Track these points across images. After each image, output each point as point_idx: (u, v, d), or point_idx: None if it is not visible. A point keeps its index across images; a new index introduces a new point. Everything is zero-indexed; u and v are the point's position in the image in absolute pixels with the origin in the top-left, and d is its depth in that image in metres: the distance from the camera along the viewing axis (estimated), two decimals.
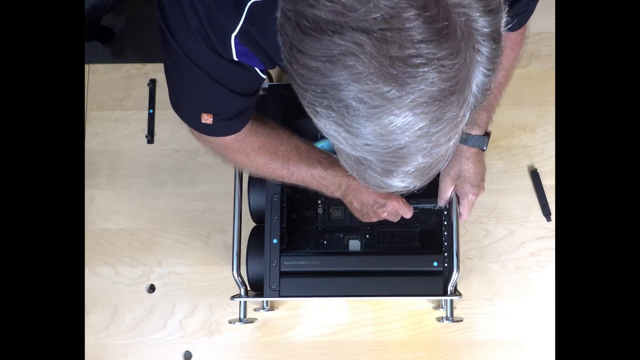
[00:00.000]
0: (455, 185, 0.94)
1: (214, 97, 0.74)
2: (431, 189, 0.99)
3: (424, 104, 0.47)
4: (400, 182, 0.56)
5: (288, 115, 0.93)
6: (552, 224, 1.06)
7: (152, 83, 1.12)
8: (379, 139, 0.49)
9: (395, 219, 0.95)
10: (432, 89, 0.46)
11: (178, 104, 0.80)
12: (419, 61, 0.45)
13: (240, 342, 1.05)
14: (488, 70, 0.50)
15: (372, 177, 0.55)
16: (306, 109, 0.51)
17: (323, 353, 1.04)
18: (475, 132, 0.90)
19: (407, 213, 0.94)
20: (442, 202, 0.96)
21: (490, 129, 1.05)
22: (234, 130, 0.79)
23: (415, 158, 0.51)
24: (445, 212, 0.98)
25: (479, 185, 0.94)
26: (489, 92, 0.53)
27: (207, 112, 0.76)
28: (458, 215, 0.95)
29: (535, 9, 0.81)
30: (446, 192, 0.95)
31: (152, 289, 1.07)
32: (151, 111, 1.11)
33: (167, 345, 1.05)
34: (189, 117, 0.79)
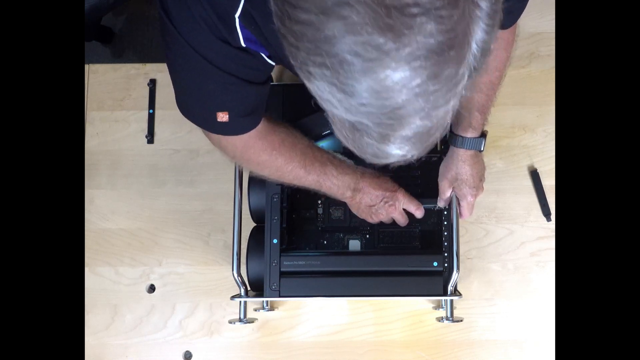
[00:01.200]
0: (453, 187, 0.94)
1: (227, 91, 0.72)
2: (431, 189, 0.99)
3: (422, 57, 0.45)
4: (398, 150, 0.54)
5: (288, 115, 0.93)
6: (552, 224, 1.06)
7: (152, 83, 1.12)
8: (375, 97, 0.47)
9: (403, 220, 0.95)
10: (430, 40, 0.45)
11: (188, 106, 0.77)
12: (416, 10, 0.44)
13: (240, 342, 1.05)
14: (487, 26, 0.49)
15: (368, 145, 0.53)
16: (299, 73, 0.49)
17: (323, 353, 1.04)
18: (471, 134, 0.89)
19: (416, 210, 0.95)
20: (441, 203, 0.97)
21: (489, 129, 1.06)
22: (252, 126, 0.78)
23: (413, 120, 0.49)
24: (445, 212, 0.98)
25: (478, 186, 0.94)
26: (488, 54, 0.51)
27: (222, 109, 0.73)
28: (458, 215, 0.95)
29: (525, 7, 0.80)
30: (445, 194, 0.95)
31: (152, 289, 1.07)
32: (151, 111, 1.11)
33: (167, 345, 1.05)
34: (203, 118, 0.76)
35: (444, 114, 0.51)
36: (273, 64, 0.73)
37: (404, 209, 0.96)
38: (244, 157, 0.83)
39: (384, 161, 0.57)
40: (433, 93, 0.47)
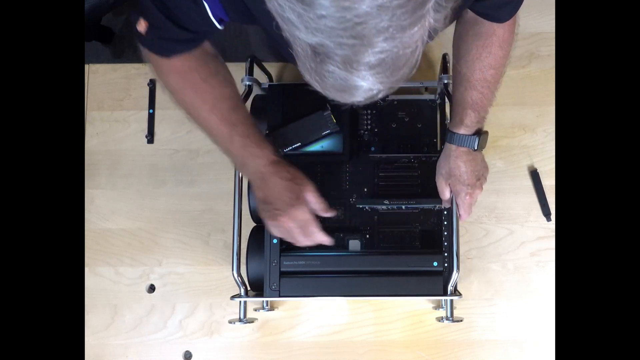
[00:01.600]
0: (449, 185, 0.93)
1: (161, 6, 0.70)
2: (431, 189, 0.99)
3: None
4: (363, 81, 0.51)
5: (288, 115, 0.93)
6: (552, 224, 1.06)
7: (152, 83, 1.12)
8: (334, 6, 0.45)
9: (304, 237, 0.85)
10: None
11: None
12: None
13: (240, 342, 1.05)
14: None
15: (331, 75, 0.51)
16: None
17: (323, 353, 1.04)
18: (463, 131, 0.88)
19: (322, 237, 0.86)
20: (445, 204, 0.96)
21: (489, 129, 1.06)
22: (167, 53, 0.76)
23: (376, 41, 0.47)
24: (445, 212, 0.98)
25: (473, 184, 0.93)
26: None
27: (146, 18, 0.72)
28: (458, 216, 0.95)
29: (522, 3, 0.80)
30: (443, 192, 0.94)
31: (152, 289, 1.07)
32: (151, 111, 1.11)
33: (167, 345, 1.05)
34: (138, 13, 0.74)
35: (411, 40, 0.49)
36: (220, 27, 0.72)
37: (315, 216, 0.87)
38: (162, 79, 0.81)
39: (348, 98, 0.55)
40: (397, 9, 0.46)
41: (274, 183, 0.83)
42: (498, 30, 0.82)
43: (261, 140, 0.84)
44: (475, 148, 0.89)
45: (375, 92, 0.54)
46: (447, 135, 0.90)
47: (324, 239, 0.86)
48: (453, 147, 0.90)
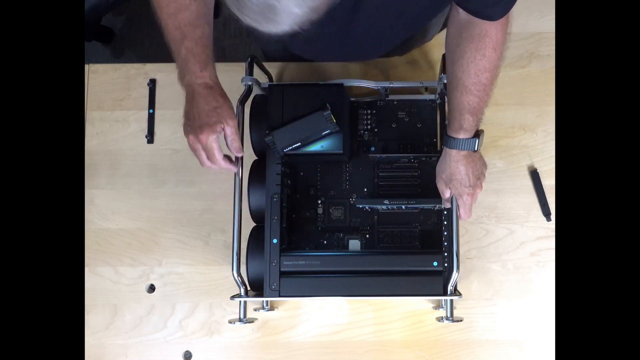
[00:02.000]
0: (449, 187, 0.93)
1: None
2: (431, 189, 0.99)
3: None
4: (292, 2, 0.52)
5: (288, 115, 0.93)
6: (552, 224, 1.06)
7: (152, 83, 1.12)
8: None
9: (206, 160, 0.89)
10: None
11: None
12: None
13: (240, 342, 1.05)
14: None
15: None
16: None
17: (323, 353, 1.04)
18: (463, 135, 0.88)
19: (225, 164, 0.89)
20: (446, 204, 0.96)
21: (489, 129, 1.06)
22: None
23: None
24: (445, 212, 0.98)
25: (474, 184, 0.93)
26: None
27: None
28: (458, 217, 0.95)
29: (515, 2, 0.79)
30: (444, 194, 0.94)
31: (152, 289, 1.07)
32: (151, 111, 1.11)
33: (167, 345, 1.05)
34: None
35: None
36: None
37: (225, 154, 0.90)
38: None
39: (272, 19, 0.54)
40: None
41: (199, 103, 0.85)
42: (490, 31, 0.82)
43: (206, 60, 0.85)
44: (476, 149, 0.90)
45: (305, 14, 0.54)
46: (446, 140, 0.90)
47: (226, 165, 0.90)
48: (453, 151, 0.90)
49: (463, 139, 0.88)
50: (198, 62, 0.85)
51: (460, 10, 0.83)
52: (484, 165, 0.96)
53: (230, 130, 0.87)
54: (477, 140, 0.89)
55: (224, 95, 0.88)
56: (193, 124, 0.86)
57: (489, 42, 0.82)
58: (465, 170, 0.91)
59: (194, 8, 0.84)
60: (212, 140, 0.86)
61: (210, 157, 0.88)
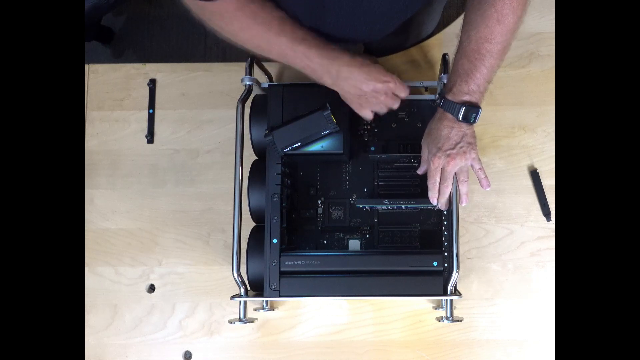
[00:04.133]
0: (426, 147, 0.92)
1: None
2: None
3: None
4: None
5: (288, 115, 0.93)
6: (552, 224, 1.06)
7: (152, 83, 1.12)
8: None
9: (394, 104, 0.91)
10: None
11: None
12: None
13: (240, 342, 1.05)
14: None
15: None
16: None
17: (323, 353, 1.04)
18: (450, 97, 0.87)
19: (403, 92, 0.90)
20: (421, 169, 0.95)
21: (489, 128, 1.06)
22: None
23: None
24: (445, 212, 0.98)
25: (449, 154, 0.89)
26: None
27: None
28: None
29: None
30: (422, 155, 0.94)
31: (152, 289, 1.07)
32: (151, 111, 1.11)
33: (167, 345, 1.05)
34: None
35: None
36: None
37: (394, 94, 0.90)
38: (219, 25, 0.83)
39: None
40: None
41: (353, 75, 0.86)
42: (496, 1, 0.82)
43: (331, 45, 0.86)
44: (459, 118, 0.87)
45: None
46: (437, 98, 0.90)
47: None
48: (440, 110, 0.89)
49: (449, 100, 0.87)
50: (330, 47, 0.86)
51: None
52: (470, 142, 0.90)
53: (393, 85, 0.88)
54: (462, 108, 0.86)
55: (367, 61, 0.88)
56: (366, 90, 0.87)
57: (494, 13, 0.82)
58: (444, 132, 0.89)
59: (283, 14, 0.85)
60: (379, 91, 0.88)
61: (390, 98, 0.90)
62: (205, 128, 1.10)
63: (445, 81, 0.97)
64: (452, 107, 0.87)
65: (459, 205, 0.95)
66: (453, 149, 0.89)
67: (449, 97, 0.87)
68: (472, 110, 0.87)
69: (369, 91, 0.87)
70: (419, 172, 0.96)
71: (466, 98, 0.86)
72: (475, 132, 0.91)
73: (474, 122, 0.88)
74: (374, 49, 1.15)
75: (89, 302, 1.06)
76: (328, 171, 1.03)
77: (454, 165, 0.90)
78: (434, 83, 1.02)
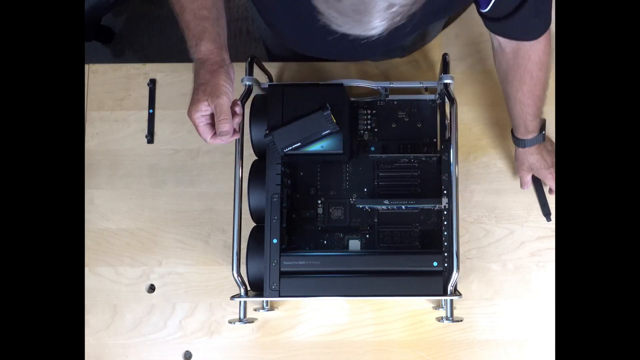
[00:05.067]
0: (532, 174, 1.04)
1: None
2: (431, 189, 0.99)
3: None
4: None
5: (288, 115, 0.93)
6: (552, 224, 1.06)
7: (152, 83, 1.12)
8: None
9: (200, 134, 0.87)
10: None
11: None
12: None
13: (240, 342, 1.05)
14: None
15: None
16: None
17: (323, 353, 1.04)
18: (531, 136, 0.98)
19: (203, 137, 0.86)
20: (523, 186, 1.06)
21: (489, 128, 1.06)
22: None
23: None
24: (445, 212, 0.98)
25: (552, 163, 1.02)
26: None
27: None
28: (550, 191, 1.06)
29: (550, 19, 0.85)
30: (524, 180, 1.05)
31: (152, 289, 1.07)
32: (151, 111, 1.11)
33: (167, 345, 1.05)
34: None
35: None
36: None
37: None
38: None
39: (365, 16, 0.54)
40: None
41: (195, 79, 0.85)
42: (532, 55, 0.89)
43: (200, 34, 0.84)
44: (543, 140, 1.00)
45: (395, 8, 0.54)
46: (516, 141, 1.01)
47: (216, 141, 0.87)
48: (526, 148, 1.00)
49: (531, 138, 0.99)
50: (193, 36, 0.84)
51: (500, 38, 0.89)
52: (550, 142, 1.04)
53: (216, 109, 0.84)
54: (543, 134, 0.99)
55: (214, 71, 0.84)
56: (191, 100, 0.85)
57: (534, 65, 0.90)
58: (540, 158, 1.01)
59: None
60: (197, 118, 0.84)
61: (199, 133, 0.87)
62: None
63: (445, 81, 0.97)
64: (535, 141, 1.00)
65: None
66: (549, 156, 1.03)
67: (530, 136, 0.99)
68: (544, 125, 1.00)
69: (196, 96, 0.85)
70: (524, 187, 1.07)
71: (540, 125, 0.99)
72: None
73: None
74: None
75: (89, 302, 1.06)
76: (328, 171, 1.03)
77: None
78: (434, 83, 1.02)
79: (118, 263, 1.07)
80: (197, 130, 0.86)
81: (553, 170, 1.03)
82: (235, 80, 1.00)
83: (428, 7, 0.59)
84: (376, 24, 0.57)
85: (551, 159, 1.02)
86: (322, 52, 0.97)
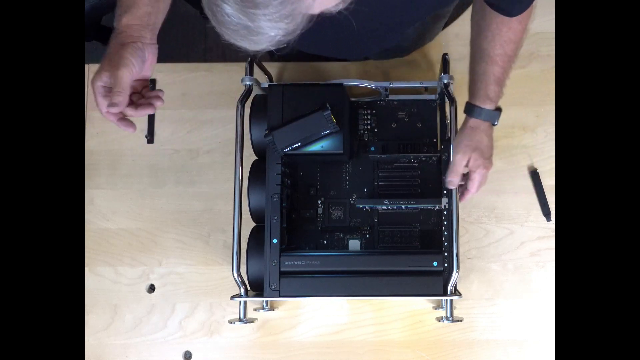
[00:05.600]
0: (469, 159, 0.92)
1: None
2: (431, 189, 0.99)
3: None
4: (268, 25, 0.54)
5: (288, 115, 0.93)
6: (552, 224, 1.06)
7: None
8: None
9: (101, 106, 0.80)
10: None
11: None
12: None
13: (240, 342, 1.05)
14: None
15: (231, 14, 0.53)
16: None
17: (323, 353, 1.04)
18: (488, 106, 0.90)
19: (99, 108, 0.80)
20: (451, 179, 0.92)
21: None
22: None
23: None
24: (445, 212, 0.98)
25: (490, 159, 0.94)
26: None
27: None
28: (465, 192, 0.94)
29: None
30: (458, 167, 0.92)
31: (152, 289, 1.07)
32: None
33: (167, 345, 1.05)
34: None
35: None
36: None
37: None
38: None
39: (250, 39, 0.57)
40: None
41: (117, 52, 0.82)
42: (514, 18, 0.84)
43: (127, 4, 0.83)
44: (496, 123, 0.92)
45: (283, 37, 0.56)
46: (471, 109, 0.91)
47: (109, 118, 0.81)
48: (479, 121, 0.91)
49: (489, 109, 0.91)
50: (120, 6, 0.83)
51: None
52: (490, 139, 0.95)
53: (113, 80, 0.79)
54: (499, 114, 0.91)
55: (124, 44, 0.82)
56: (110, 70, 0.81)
57: (514, 22, 0.85)
58: (487, 142, 0.93)
59: None
60: (96, 87, 0.79)
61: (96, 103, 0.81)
62: (205, 128, 1.10)
63: (445, 81, 0.97)
64: (491, 115, 0.91)
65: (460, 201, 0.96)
66: (491, 155, 0.94)
67: (488, 105, 0.90)
68: (500, 113, 0.92)
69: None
70: (452, 186, 0.93)
71: (498, 104, 0.91)
72: None
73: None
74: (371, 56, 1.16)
75: (89, 302, 1.06)
76: (328, 171, 1.03)
77: (488, 172, 0.95)
78: (434, 83, 1.02)
79: (118, 263, 1.07)
80: (95, 99, 0.80)
81: (487, 165, 0.93)
82: (235, 81, 1.00)
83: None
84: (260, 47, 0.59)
85: (490, 154, 0.93)
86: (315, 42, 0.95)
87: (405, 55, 1.11)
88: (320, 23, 0.60)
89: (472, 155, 0.92)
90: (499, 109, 0.92)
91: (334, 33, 0.85)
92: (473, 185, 0.94)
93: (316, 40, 0.90)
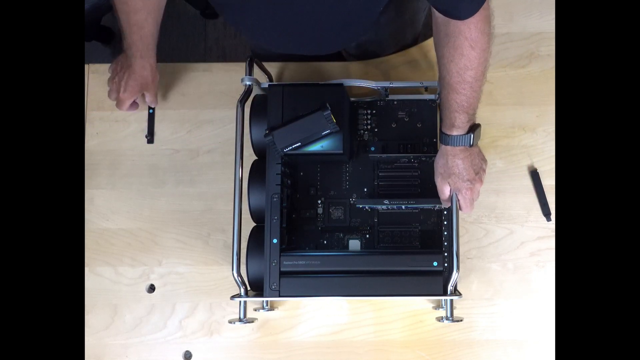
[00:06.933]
0: (448, 183, 0.93)
1: None
2: (431, 189, 0.99)
3: None
4: None
5: (288, 115, 0.93)
6: (552, 224, 1.06)
7: None
8: None
9: (123, 105, 1.04)
10: None
11: None
12: None
13: (240, 342, 1.05)
14: None
15: None
16: None
17: (323, 353, 1.04)
18: (456, 132, 0.89)
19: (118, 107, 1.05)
20: (444, 203, 0.95)
21: (489, 128, 1.06)
22: None
23: None
24: (445, 212, 0.98)
25: (473, 179, 0.92)
26: None
27: None
28: (459, 209, 0.94)
29: (482, 3, 0.79)
30: (443, 192, 0.94)
31: (152, 289, 1.07)
32: (151, 111, 1.11)
33: (167, 345, 1.05)
34: None
35: None
36: None
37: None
38: None
39: None
40: None
41: (132, 66, 1.03)
42: (464, 29, 0.81)
43: (144, 50, 1.01)
44: (471, 144, 0.89)
45: None
46: (441, 136, 0.91)
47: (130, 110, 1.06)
48: (449, 147, 0.90)
49: (457, 135, 0.89)
50: (137, 50, 1.01)
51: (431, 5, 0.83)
52: (484, 160, 0.95)
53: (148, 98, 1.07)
54: (471, 136, 0.89)
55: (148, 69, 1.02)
56: (123, 77, 1.03)
57: (464, 41, 0.82)
58: (463, 164, 0.91)
59: (144, 12, 0.98)
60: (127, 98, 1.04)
61: (120, 104, 1.05)
62: (205, 128, 1.10)
63: None
64: (462, 140, 0.89)
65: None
66: (476, 174, 0.93)
67: (455, 132, 0.89)
68: (478, 131, 0.90)
69: (124, 78, 1.04)
70: (447, 205, 0.95)
71: (470, 125, 0.89)
72: None
73: (479, 139, 0.91)
74: (351, 55, 1.16)
75: (89, 302, 1.06)
76: (328, 171, 1.03)
77: (479, 187, 0.94)
78: (434, 83, 1.02)
79: (118, 263, 1.07)
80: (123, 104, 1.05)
81: (471, 187, 0.92)
82: (235, 81, 1.00)
83: None
84: None
85: (472, 173, 0.92)
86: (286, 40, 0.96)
87: (388, 54, 1.11)
88: (280, 21, 0.60)
89: (449, 180, 0.92)
90: (471, 130, 0.89)
91: (298, 26, 0.85)
92: (461, 206, 0.94)
93: (285, 39, 0.90)
